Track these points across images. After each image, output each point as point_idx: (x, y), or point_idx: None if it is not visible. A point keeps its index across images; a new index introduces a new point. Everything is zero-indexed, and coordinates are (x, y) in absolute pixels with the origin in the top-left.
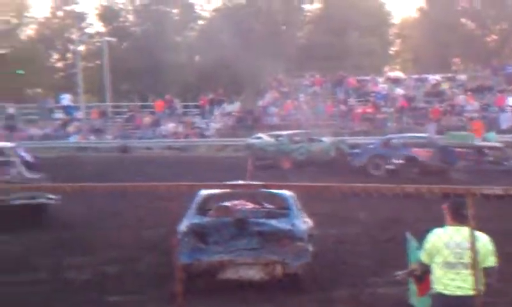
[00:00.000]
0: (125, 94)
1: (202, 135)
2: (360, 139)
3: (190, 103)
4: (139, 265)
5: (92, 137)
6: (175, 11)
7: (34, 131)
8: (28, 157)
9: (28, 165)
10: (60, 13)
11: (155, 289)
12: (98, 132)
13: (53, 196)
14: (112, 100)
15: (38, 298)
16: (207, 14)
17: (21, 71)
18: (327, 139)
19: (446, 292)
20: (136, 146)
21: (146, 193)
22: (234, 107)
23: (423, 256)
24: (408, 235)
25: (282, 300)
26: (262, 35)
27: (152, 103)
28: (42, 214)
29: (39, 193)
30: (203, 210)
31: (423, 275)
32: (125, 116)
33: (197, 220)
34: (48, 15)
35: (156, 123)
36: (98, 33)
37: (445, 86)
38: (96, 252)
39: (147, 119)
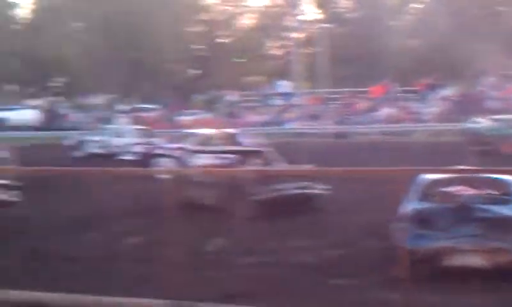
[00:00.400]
0: (342, 80)
1: (419, 120)
2: None
3: (406, 88)
4: (360, 249)
5: (309, 123)
6: None
7: (254, 118)
8: (249, 142)
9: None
10: (277, 2)
11: (376, 273)
12: (315, 117)
13: (323, 187)
14: (328, 85)
15: (265, 280)
16: None
17: (239, 60)
18: None
19: None
20: (352, 132)
21: (364, 178)
22: (451, 91)
23: None
24: None
25: (507, 288)
26: (479, 17)
27: (368, 89)
28: (309, 203)
29: (309, 183)
30: (425, 195)
31: None
32: (341, 102)
33: (420, 205)
34: (265, 3)
35: (372, 109)
36: (313, 20)
37: None
38: (320, 236)
39: (364, 105)
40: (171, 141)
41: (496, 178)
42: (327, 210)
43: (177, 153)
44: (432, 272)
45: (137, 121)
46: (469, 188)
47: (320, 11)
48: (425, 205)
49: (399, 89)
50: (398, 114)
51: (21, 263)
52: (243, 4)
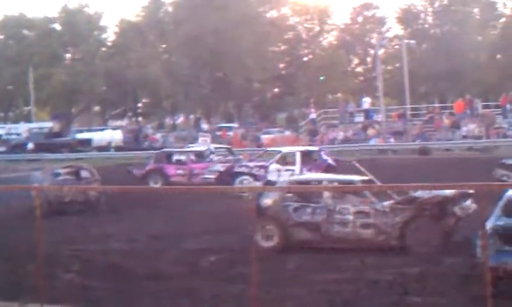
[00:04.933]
0: (424, 96)
1: (504, 135)
2: None
3: (491, 103)
4: (441, 266)
5: (392, 140)
6: (475, 10)
7: (336, 135)
8: (330, 160)
9: (330, 169)
10: (360, 19)
11: (457, 291)
12: (397, 134)
13: None
14: (411, 102)
15: (342, 296)
16: (508, 11)
17: (321, 77)
18: None
19: None
20: (435, 148)
21: None
22: None
23: None
24: None
25: None
26: None
27: (451, 104)
28: None
29: None
30: (508, 211)
31: None
32: (424, 118)
33: (502, 221)
34: (349, 21)
35: (456, 125)
36: (397, 36)
37: None
38: (397, 253)
39: (447, 121)
40: (252, 159)
41: None
42: None
43: (257, 171)
44: None
45: (218, 139)
46: None
47: (403, 27)
48: (509, 221)
49: (483, 103)
50: (482, 130)
51: (104, 282)
52: (326, 22)
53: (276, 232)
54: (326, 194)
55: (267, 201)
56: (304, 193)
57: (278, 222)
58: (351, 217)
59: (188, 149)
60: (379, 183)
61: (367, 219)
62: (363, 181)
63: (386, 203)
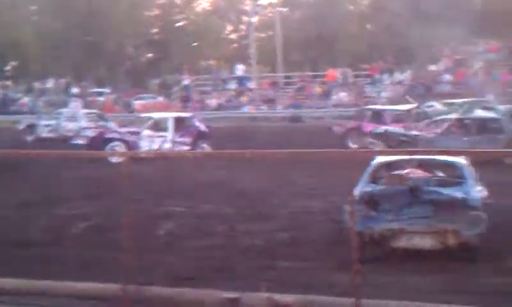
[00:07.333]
0: (297, 64)
1: (373, 104)
2: None
3: (361, 72)
4: (310, 233)
5: (264, 107)
6: None
7: (208, 102)
8: (202, 127)
9: (202, 135)
10: None
11: (326, 256)
12: (269, 102)
13: None
14: (283, 70)
15: (214, 262)
16: None
17: (196, 44)
18: (502, 108)
19: None
20: (307, 116)
21: (319, 161)
22: (405, 75)
23: None
24: None
25: (455, 269)
26: (435, 1)
27: (322, 73)
28: None
29: None
30: (375, 178)
31: None
32: (296, 86)
33: (368, 188)
34: None
35: (327, 93)
36: (270, 4)
37: None
38: (269, 220)
39: (318, 89)
40: (123, 125)
41: (446, 161)
42: (279, 194)
43: (129, 137)
44: (382, 253)
45: (90, 105)
46: (419, 171)
47: None
48: (375, 188)
49: (353, 73)
50: (353, 98)
51: None
52: None
53: None
54: None
55: None
56: None
57: None
58: None
59: (390, 108)
60: None
61: None
62: None
63: None
